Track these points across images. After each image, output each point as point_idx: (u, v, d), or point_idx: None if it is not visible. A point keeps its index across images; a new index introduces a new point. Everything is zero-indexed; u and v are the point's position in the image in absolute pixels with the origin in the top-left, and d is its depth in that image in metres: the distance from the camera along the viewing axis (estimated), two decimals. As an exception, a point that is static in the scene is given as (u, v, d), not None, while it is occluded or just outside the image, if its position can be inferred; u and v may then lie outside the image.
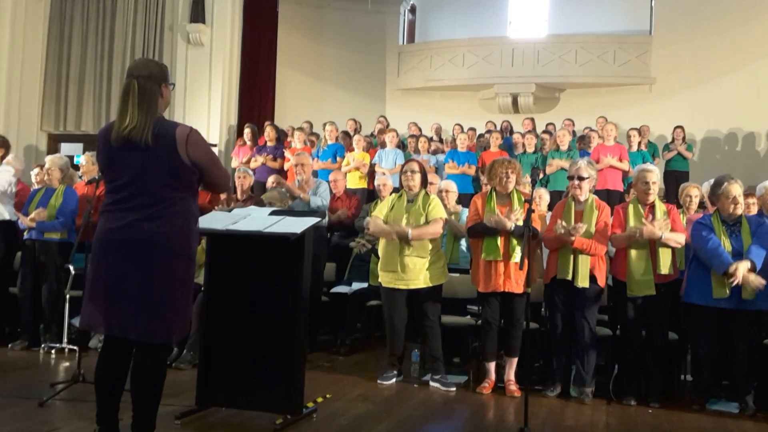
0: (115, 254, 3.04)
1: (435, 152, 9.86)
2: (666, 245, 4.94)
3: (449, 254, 6.03)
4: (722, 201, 4.93)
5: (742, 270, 4.63)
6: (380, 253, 5.46)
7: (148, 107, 3.07)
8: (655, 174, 5.16)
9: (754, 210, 5.73)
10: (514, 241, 5.05)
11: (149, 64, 3.21)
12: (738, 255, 4.77)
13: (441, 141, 10.89)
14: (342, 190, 7.77)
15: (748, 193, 5.97)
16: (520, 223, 4.97)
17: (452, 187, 6.57)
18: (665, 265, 4.94)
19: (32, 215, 6.16)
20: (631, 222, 5.04)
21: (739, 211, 4.90)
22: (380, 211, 5.51)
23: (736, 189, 4.90)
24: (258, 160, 9.62)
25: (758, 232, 4.84)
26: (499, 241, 5.06)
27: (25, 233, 6.33)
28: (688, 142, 11.00)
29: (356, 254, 6.96)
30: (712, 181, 5.30)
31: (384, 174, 8.74)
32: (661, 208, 5.07)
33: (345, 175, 8.53)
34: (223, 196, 6.53)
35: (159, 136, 3.05)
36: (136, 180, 3.06)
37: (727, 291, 4.72)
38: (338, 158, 9.67)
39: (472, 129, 11.28)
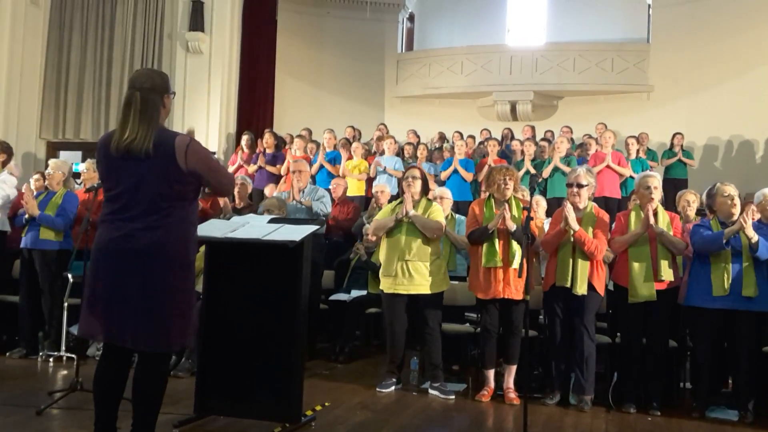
0: (114, 263, 3.04)
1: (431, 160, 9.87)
2: (666, 250, 4.96)
3: (446, 261, 6.03)
4: (719, 201, 4.97)
5: (742, 221, 4.70)
6: (381, 257, 5.45)
7: (150, 119, 3.09)
8: (657, 179, 5.18)
9: (755, 217, 5.74)
10: (514, 248, 5.05)
11: (152, 75, 3.23)
12: (737, 254, 4.80)
13: (440, 149, 10.89)
14: (341, 195, 7.80)
15: (749, 201, 5.98)
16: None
17: (447, 194, 6.59)
18: (665, 270, 4.95)
19: (27, 200, 6.14)
20: (633, 229, 5.05)
21: (736, 210, 4.92)
22: (381, 216, 5.54)
23: (730, 189, 4.95)
24: (255, 165, 9.63)
25: (759, 233, 4.86)
26: (498, 247, 5.07)
27: (21, 241, 6.32)
28: (686, 149, 11.02)
29: (356, 262, 6.95)
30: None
31: (384, 169, 8.90)
32: (664, 216, 5.08)
33: (346, 181, 8.54)
34: (222, 201, 6.53)
35: (158, 146, 3.06)
36: (135, 190, 3.06)
37: (726, 287, 4.74)
38: (336, 166, 9.68)
39: (471, 136, 11.30)
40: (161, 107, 3.17)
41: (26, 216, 6.23)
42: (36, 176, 6.99)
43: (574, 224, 4.95)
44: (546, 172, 8.78)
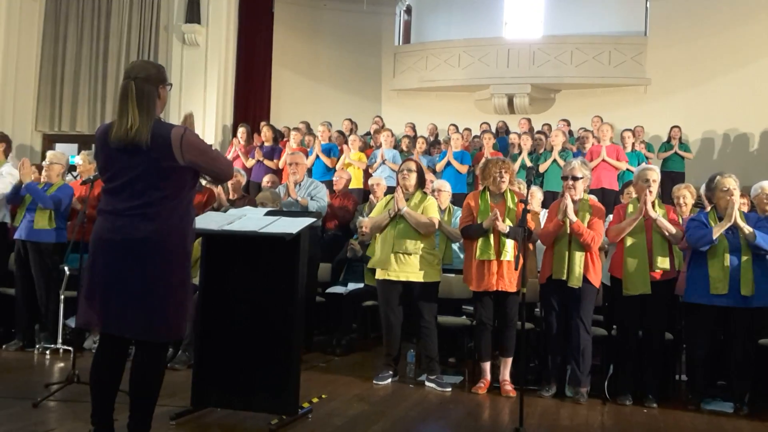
0: (113, 254, 3.05)
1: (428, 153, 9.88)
2: (662, 241, 4.96)
3: (442, 254, 6.04)
4: (717, 195, 4.97)
5: (734, 212, 4.75)
6: (376, 249, 5.46)
7: (148, 109, 3.09)
8: (656, 173, 5.18)
9: (744, 210, 5.76)
10: (505, 240, 5.06)
11: (147, 66, 3.23)
12: (736, 251, 4.80)
13: (438, 142, 10.88)
14: (342, 187, 7.81)
15: (741, 193, 5.99)
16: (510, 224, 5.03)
17: (446, 186, 6.60)
18: (661, 261, 4.95)
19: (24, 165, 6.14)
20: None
21: (735, 204, 4.90)
22: (377, 212, 5.54)
23: (730, 182, 4.94)
24: (253, 159, 9.64)
25: (758, 226, 4.86)
26: (492, 240, 5.08)
27: (17, 232, 6.30)
28: (684, 142, 11.02)
29: (352, 255, 6.96)
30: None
31: (384, 161, 9.01)
32: (660, 209, 5.09)
33: (349, 174, 8.55)
34: (218, 191, 6.50)
35: (155, 138, 3.06)
36: (134, 181, 3.07)
37: (725, 286, 4.74)
38: (332, 158, 9.68)
39: (468, 129, 11.28)
40: (156, 98, 3.16)
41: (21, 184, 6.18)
42: (33, 169, 6.96)
43: (572, 215, 4.96)
44: (544, 167, 8.79)
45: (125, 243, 3.04)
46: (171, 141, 3.06)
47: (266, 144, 9.98)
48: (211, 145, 3.32)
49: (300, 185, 6.52)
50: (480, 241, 5.12)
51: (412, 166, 5.46)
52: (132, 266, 3.03)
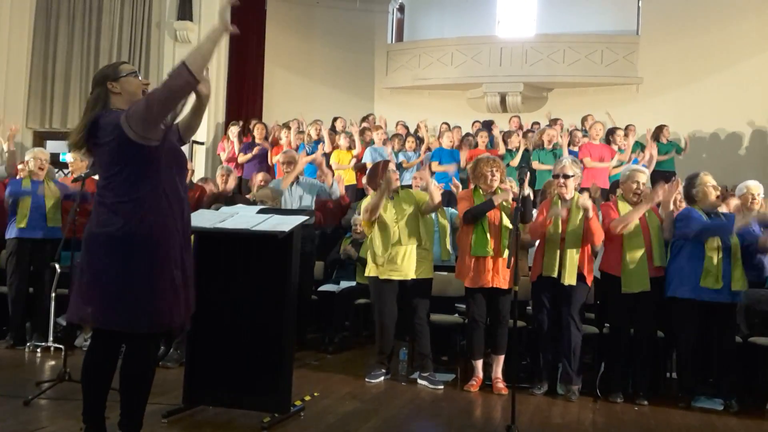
0: (93, 248, 3.06)
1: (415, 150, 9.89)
2: (660, 236, 5.04)
3: (442, 250, 6.07)
4: (704, 191, 5.00)
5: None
6: (375, 243, 5.40)
7: (90, 109, 3.14)
8: (645, 175, 5.22)
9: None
10: (505, 240, 5.07)
11: (98, 73, 3.25)
12: (727, 247, 4.83)
13: (420, 139, 10.82)
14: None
15: (731, 193, 6.05)
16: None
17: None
18: (660, 257, 4.99)
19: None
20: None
21: (719, 201, 5.04)
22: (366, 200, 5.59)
23: (712, 179, 5.03)
24: (246, 155, 9.64)
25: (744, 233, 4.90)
26: (489, 236, 5.08)
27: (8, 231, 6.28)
28: (674, 140, 11.05)
29: (346, 258, 6.95)
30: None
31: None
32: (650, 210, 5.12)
33: (342, 175, 8.55)
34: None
35: (103, 127, 3.04)
36: (106, 175, 3.08)
37: (719, 280, 4.77)
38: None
39: (458, 127, 11.28)
40: (106, 96, 3.14)
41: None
42: (20, 165, 6.93)
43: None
44: (514, 162, 8.87)
45: (101, 236, 3.03)
46: (120, 124, 2.98)
47: (258, 141, 9.96)
48: (203, 144, 3.32)
49: (297, 183, 6.52)
50: (474, 236, 5.12)
51: (393, 166, 5.60)
52: (107, 258, 3.00)
